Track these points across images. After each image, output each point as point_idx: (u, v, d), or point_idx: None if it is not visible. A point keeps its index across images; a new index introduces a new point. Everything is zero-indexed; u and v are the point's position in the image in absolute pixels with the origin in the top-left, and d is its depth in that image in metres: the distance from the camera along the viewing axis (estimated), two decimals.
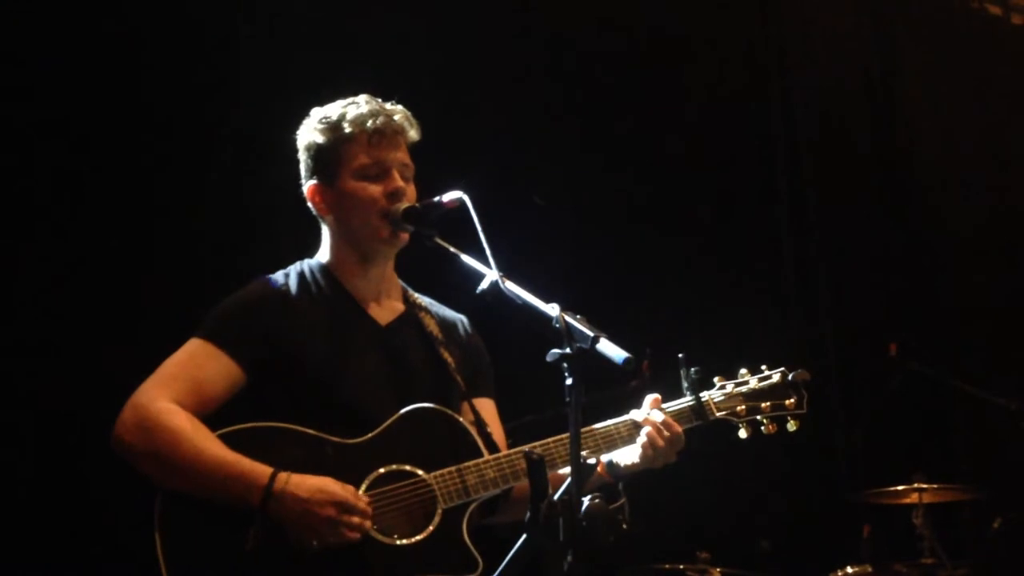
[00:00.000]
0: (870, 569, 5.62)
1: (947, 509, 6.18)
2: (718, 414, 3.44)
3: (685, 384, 3.38)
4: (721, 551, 5.58)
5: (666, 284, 6.73)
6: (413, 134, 3.39)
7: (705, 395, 3.42)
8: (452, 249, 3.13)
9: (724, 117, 7.17)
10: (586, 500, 2.69)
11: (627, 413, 3.34)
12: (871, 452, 6.85)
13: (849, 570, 5.62)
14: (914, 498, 5.90)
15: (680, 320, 6.55)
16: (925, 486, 5.87)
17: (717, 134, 7.10)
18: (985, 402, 6.23)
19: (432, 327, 3.41)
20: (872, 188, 7.61)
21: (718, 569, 5.47)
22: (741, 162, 7.26)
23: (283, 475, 2.99)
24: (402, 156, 3.34)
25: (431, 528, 3.09)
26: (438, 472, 3.13)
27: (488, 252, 3.00)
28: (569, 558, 2.66)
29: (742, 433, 3.44)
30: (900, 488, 5.91)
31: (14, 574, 4.89)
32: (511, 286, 2.99)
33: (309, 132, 3.38)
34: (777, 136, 7.43)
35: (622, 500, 3.09)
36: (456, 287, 3.17)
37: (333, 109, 3.37)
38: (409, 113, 3.39)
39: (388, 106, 3.36)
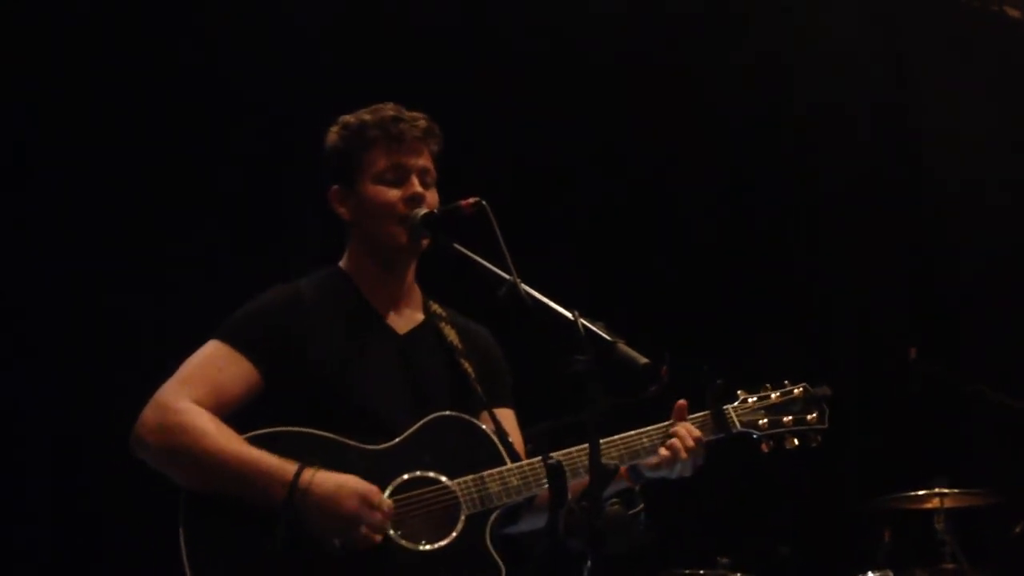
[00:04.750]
0: (890, 574, 5.59)
1: (968, 514, 6.14)
2: (740, 427, 3.42)
3: (708, 396, 3.37)
4: (741, 556, 5.57)
5: (682, 289, 6.73)
6: (436, 142, 3.39)
7: (727, 407, 3.41)
8: (471, 255, 3.13)
9: (737, 126, 7.17)
10: (605, 506, 2.69)
11: (646, 417, 3.33)
12: (891, 457, 6.83)
13: (869, 575, 5.60)
14: (935, 503, 5.87)
15: (697, 324, 6.56)
16: (946, 491, 5.84)
17: (730, 143, 7.11)
18: (1007, 406, 6.20)
19: (452, 337, 3.42)
20: (888, 190, 7.59)
21: (737, 574, 5.46)
22: (755, 168, 7.26)
23: (308, 471, 3.00)
24: (423, 162, 3.35)
25: (454, 534, 3.09)
26: (461, 479, 3.14)
27: (507, 256, 3.00)
28: (588, 564, 2.66)
29: (764, 447, 3.43)
30: (921, 493, 5.88)
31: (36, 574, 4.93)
32: (529, 291, 2.99)
33: (332, 137, 3.40)
34: (789, 144, 7.42)
35: (640, 506, 3.08)
36: (475, 292, 3.17)
37: (356, 115, 3.39)
38: (432, 121, 3.40)
39: (411, 113, 3.37)
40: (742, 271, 6.93)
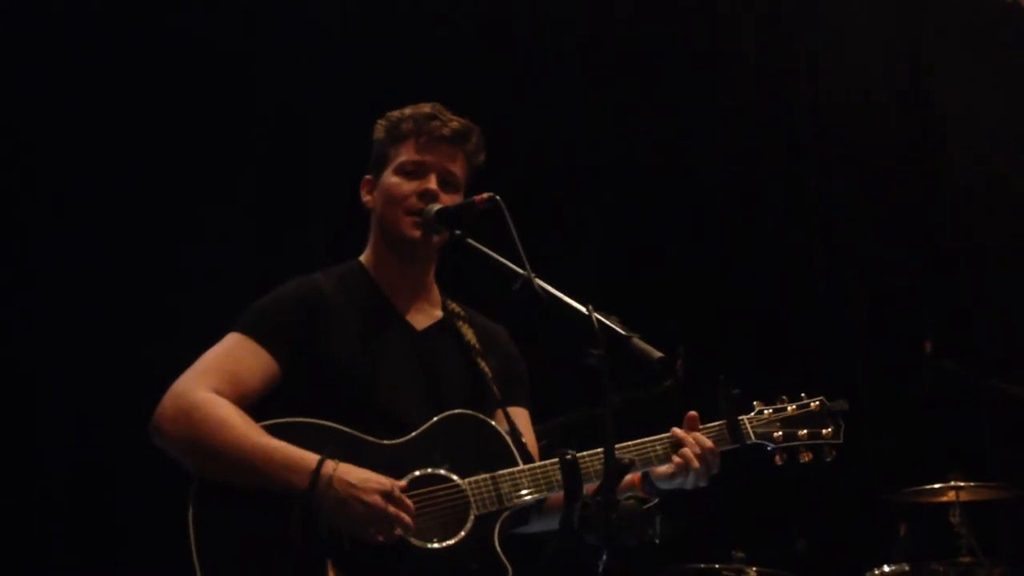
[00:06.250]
0: (907, 568, 5.59)
1: (984, 507, 6.13)
2: (754, 438, 3.40)
3: (723, 406, 3.35)
4: (757, 550, 5.57)
5: (695, 285, 6.72)
6: (472, 150, 3.41)
7: (743, 418, 3.40)
8: (485, 249, 3.14)
9: (754, 118, 7.16)
10: (620, 501, 2.70)
11: (660, 417, 3.32)
12: (907, 450, 6.82)
13: (886, 569, 5.59)
14: (951, 496, 5.87)
15: (710, 320, 6.55)
16: (962, 484, 5.83)
17: (746, 136, 7.10)
18: (1022, 400, 6.18)
19: (470, 336, 3.43)
20: (905, 185, 7.56)
21: (754, 568, 5.45)
22: (771, 163, 7.25)
23: (331, 462, 3.01)
24: (448, 164, 3.37)
25: (463, 534, 3.09)
26: (473, 479, 3.14)
27: (521, 251, 3.00)
28: (604, 557, 2.66)
29: (777, 459, 3.42)
30: (937, 486, 5.88)
31: (45, 561, 4.97)
32: (544, 285, 2.99)
33: (376, 129, 3.46)
34: (806, 138, 7.41)
35: (655, 500, 3.07)
36: (488, 289, 3.18)
37: (401, 110, 3.43)
38: (473, 128, 3.42)
39: (449, 115, 3.40)
40: (756, 266, 6.92)
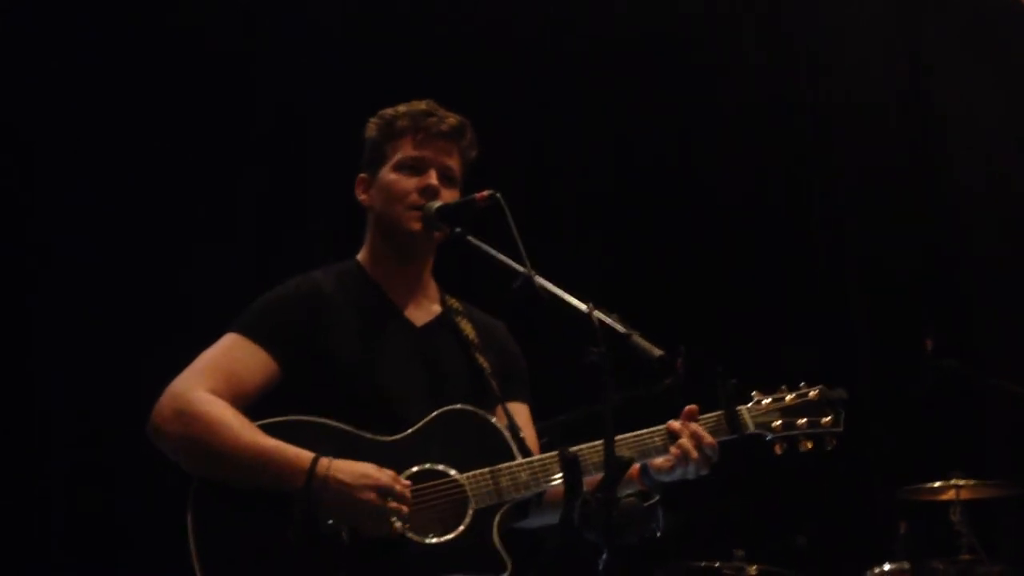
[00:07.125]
0: (907, 566, 5.58)
1: (985, 505, 6.13)
2: (753, 428, 3.37)
3: (721, 396, 3.34)
4: (757, 548, 5.56)
5: (695, 284, 6.72)
6: (468, 145, 3.41)
7: (741, 408, 3.37)
8: (486, 247, 3.14)
9: (754, 119, 7.16)
10: (620, 498, 2.70)
11: (660, 415, 3.31)
12: (907, 449, 6.82)
13: (886, 567, 5.59)
14: (951, 494, 5.86)
15: (710, 319, 6.55)
16: (963, 482, 5.83)
17: (747, 136, 7.10)
18: (1022, 398, 6.18)
19: (468, 331, 3.42)
20: (905, 185, 7.56)
21: (754, 566, 5.45)
22: (771, 164, 7.25)
23: (325, 460, 3.01)
24: (445, 159, 3.37)
25: (462, 528, 3.08)
26: (471, 473, 3.13)
27: (521, 249, 3.00)
28: (604, 555, 2.66)
29: (777, 449, 3.40)
30: (937, 484, 5.88)
31: (45, 561, 4.98)
32: (544, 283, 2.99)
33: (369, 127, 3.45)
34: (806, 138, 7.40)
35: (656, 498, 3.07)
36: (488, 286, 3.18)
37: (395, 108, 3.43)
38: (467, 124, 3.41)
39: (445, 111, 3.40)
40: (757, 266, 6.92)
